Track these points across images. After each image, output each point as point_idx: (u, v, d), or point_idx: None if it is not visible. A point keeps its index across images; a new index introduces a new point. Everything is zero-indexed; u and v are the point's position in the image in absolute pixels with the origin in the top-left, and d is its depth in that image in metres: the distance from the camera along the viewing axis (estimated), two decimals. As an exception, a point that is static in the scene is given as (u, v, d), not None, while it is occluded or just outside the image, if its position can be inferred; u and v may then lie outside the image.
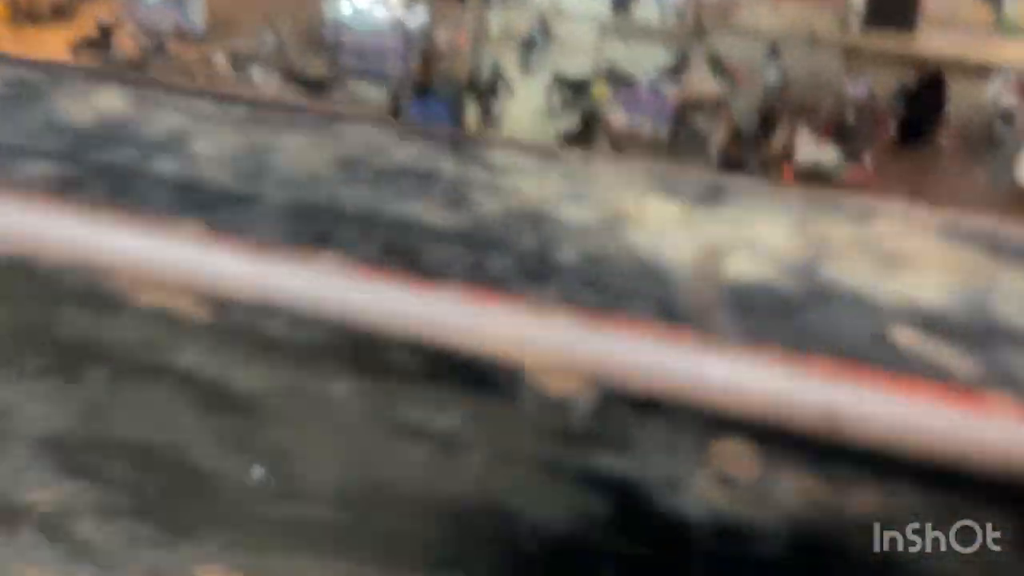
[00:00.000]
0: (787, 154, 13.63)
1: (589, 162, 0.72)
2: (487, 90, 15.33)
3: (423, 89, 14.73)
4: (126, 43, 16.27)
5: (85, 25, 16.52)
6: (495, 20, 17.28)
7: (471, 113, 15.36)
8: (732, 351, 0.55)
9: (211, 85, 15.69)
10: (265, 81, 15.40)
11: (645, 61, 14.92)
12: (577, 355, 0.57)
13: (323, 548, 0.67)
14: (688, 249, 0.63)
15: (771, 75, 15.23)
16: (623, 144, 14.63)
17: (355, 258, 0.61)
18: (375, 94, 15.41)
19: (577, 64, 15.83)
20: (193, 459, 0.67)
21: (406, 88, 14.97)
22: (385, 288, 0.60)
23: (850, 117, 14.41)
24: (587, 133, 14.57)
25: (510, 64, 16.07)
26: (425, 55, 15.55)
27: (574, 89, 15.44)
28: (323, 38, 16.93)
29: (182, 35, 16.95)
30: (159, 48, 16.04)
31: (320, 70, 15.71)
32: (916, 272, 0.61)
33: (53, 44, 15.76)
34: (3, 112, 0.75)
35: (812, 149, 13.64)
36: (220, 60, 15.65)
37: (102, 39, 16.08)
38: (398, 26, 15.79)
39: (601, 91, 14.77)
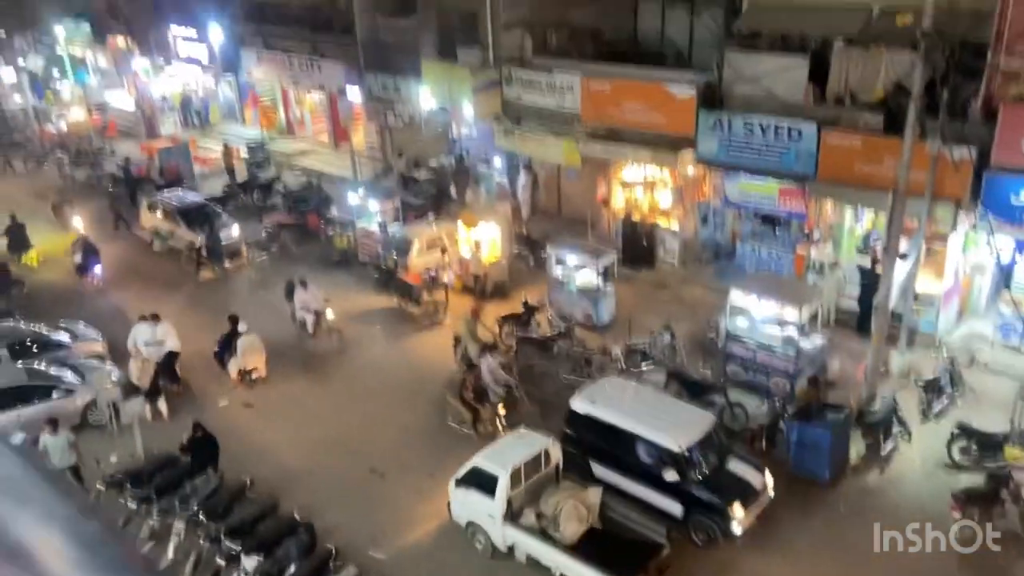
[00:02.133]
0: None
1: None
2: (879, 427, 14.42)
3: (807, 412, 14.30)
4: (542, 322, 18.65)
5: (516, 303, 19.40)
6: (899, 358, 16.68)
7: (857, 448, 14.45)
8: None
9: (603, 371, 17.03)
10: (653, 377, 16.32)
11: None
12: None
13: None
14: None
15: None
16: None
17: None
18: (755, 407, 15.36)
19: (989, 420, 14.33)
20: None
21: (789, 409, 14.69)
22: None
23: None
24: (992, 494, 12.77)
25: (910, 406, 15.15)
26: (815, 379, 15.27)
27: (982, 445, 13.87)
28: (713, 345, 17.77)
29: (588, 324, 19.04)
30: (567, 331, 18.01)
31: (706, 375, 16.19)
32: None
33: (491, 314, 18.70)
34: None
35: None
36: (616, 351, 17.01)
37: (524, 316, 18.61)
38: (790, 344, 15.84)
39: (1016, 454, 13.04)
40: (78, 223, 24.26)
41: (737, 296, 16.36)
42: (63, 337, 18.42)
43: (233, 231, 23.64)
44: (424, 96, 25.38)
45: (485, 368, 16.06)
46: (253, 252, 23.53)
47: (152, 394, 16.41)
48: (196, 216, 23.99)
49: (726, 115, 19.24)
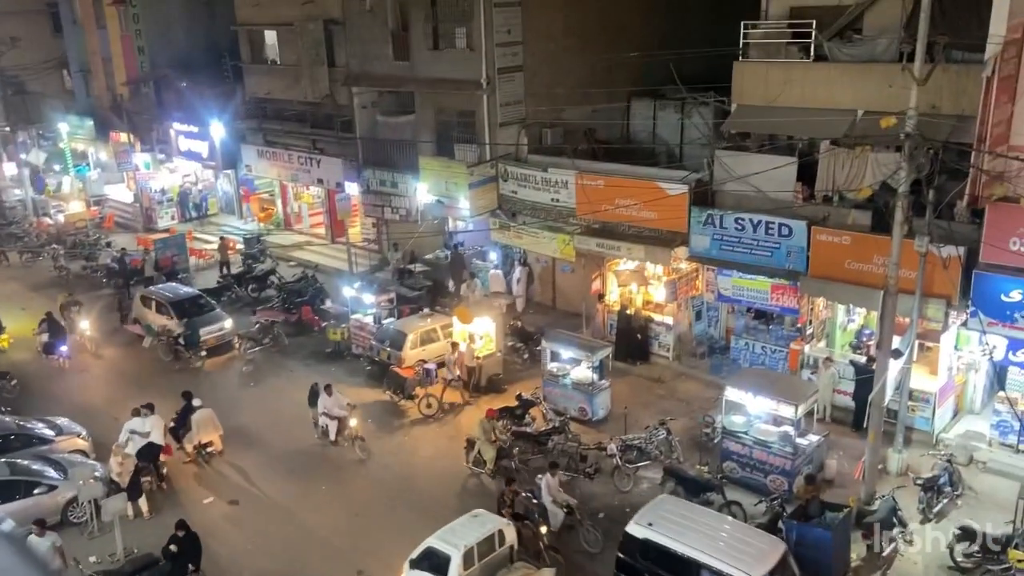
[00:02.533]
0: None
1: None
2: (880, 529, 14.09)
3: (805, 513, 13.99)
4: (537, 416, 18.46)
5: (511, 397, 19.23)
6: (896, 456, 16.45)
7: (858, 549, 14.08)
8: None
9: (599, 467, 16.73)
10: (649, 473, 16.01)
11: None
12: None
13: None
14: None
15: None
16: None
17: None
18: (752, 505, 15.04)
19: (990, 520, 14.04)
20: None
21: (788, 508, 14.38)
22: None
23: None
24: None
25: (909, 507, 14.81)
26: (812, 477, 15.04)
27: (986, 549, 13.53)
28: (709, 442, 17.56)
29: (583, 418, 18.83)
30: (562, 426, 17.79)
31: (702, 472, 15.91)
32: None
33: (484, 408, 18.53)
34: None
35: None
36: (612, 447, 16.76)
37: (519, 410, 18.43)
38: (787, 441, 15.66)
39: (1021, 556, 12.72)
40: (85, 326, 24.20)
41: (733, 392, 16.25)
42: (47, 432, 18.11)
43: (226, 324, 23.59)
44: (421, 191, 25.81)
45: (544, 488, 14.86)
46: (244, 344, 23.38)
47: (133, 492, 16.01)
48: (188, 309, 23.94)
49: (718, 212, 19.59)
